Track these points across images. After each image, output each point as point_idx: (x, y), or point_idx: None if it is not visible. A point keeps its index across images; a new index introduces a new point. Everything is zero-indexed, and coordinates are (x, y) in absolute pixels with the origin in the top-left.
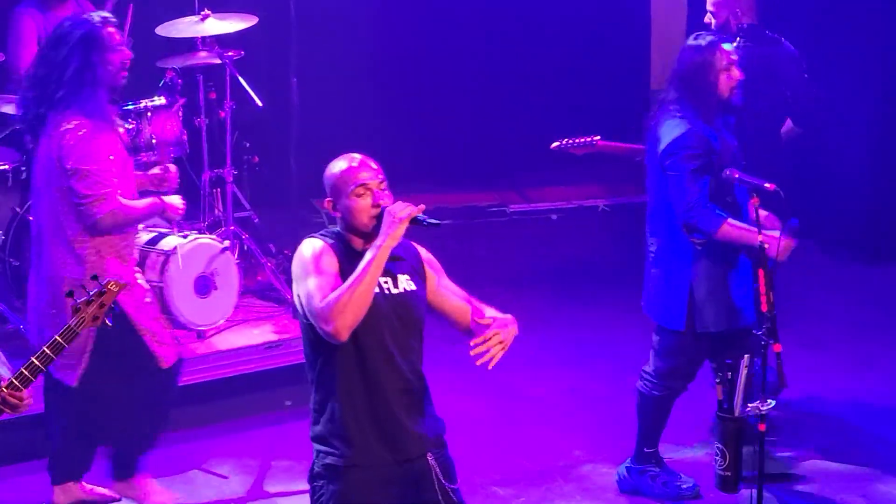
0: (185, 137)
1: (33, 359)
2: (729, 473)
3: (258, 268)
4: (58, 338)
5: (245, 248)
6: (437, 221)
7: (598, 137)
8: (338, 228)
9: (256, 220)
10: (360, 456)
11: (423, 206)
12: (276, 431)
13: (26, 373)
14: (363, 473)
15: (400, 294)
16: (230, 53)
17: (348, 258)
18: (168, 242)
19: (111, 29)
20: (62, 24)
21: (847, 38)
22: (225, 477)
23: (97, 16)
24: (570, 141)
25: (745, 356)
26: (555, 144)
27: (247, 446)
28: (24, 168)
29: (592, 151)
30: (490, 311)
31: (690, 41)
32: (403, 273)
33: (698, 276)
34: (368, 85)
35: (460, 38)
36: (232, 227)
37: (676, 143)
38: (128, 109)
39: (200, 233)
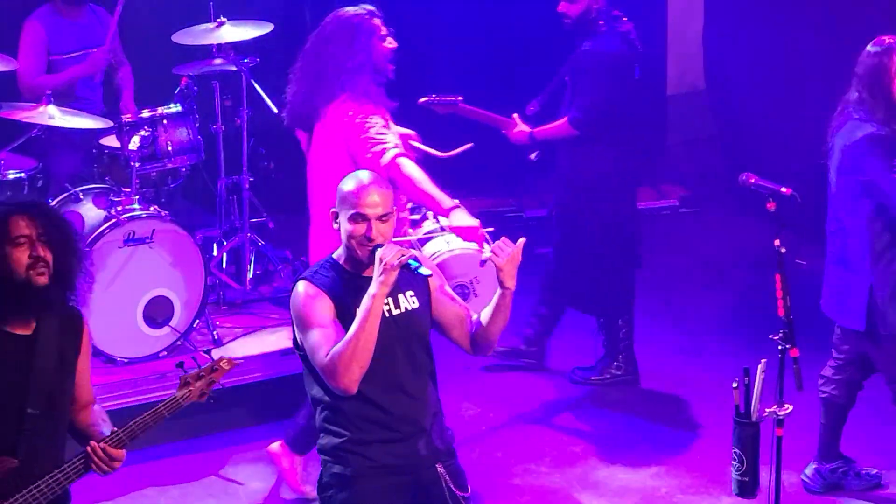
0: (200, 144)
1: (131, 423)
2: (747, 479)
3: (274, 274)
4: (161, 408)
5: (259, 255)
6: (429, 272)
7: (461, 98)
8: (332, 256)
9: (272, 226)
10: (367, 467)
11: (413, 253)
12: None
13: (122, 435)
14: (371, 483)
15: (402, 314)
16: (246, 60)
17: (343, 288)
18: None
19: (377, 20)
20: (328, 19)
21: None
22: (241, 483)
23: (362, 8)
24: (435, 98)
25: (762, 361)
26: (422, 100)
27: (263, 453)
28: (40, 176)
29: (454, 112)
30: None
31: (870, 47)
32: (406, 290)
33: (879, 277)
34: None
35: (478, 45)
36: (248, 234)
37: (860, 146)
38: (143, 117)
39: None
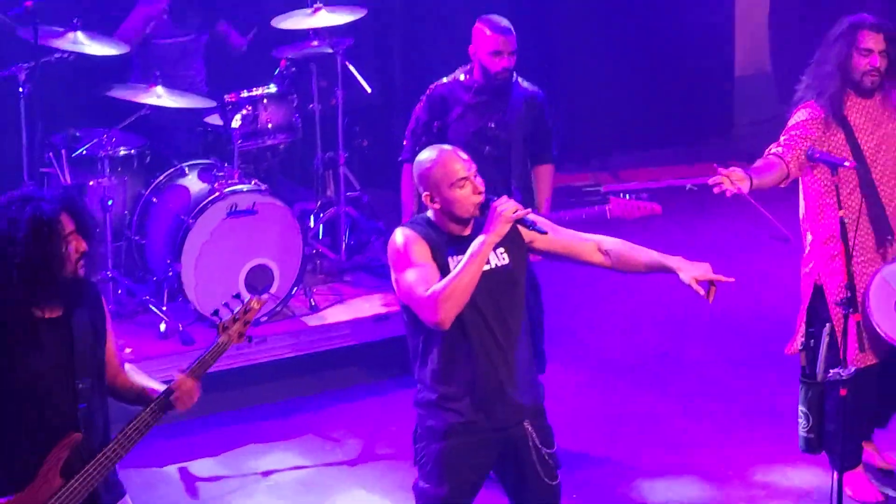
0: (298, 123)
1: (194, 366)
2: (812, 435)
3: (368, 245)
4: (207, 356)
5: (354, 226)
6: (545, 231)
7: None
8: (426, 215)
9: (366, 200)
10: (459, 421)
11: (530, 210)
12: (386, 399)
13: (197, 371)
14: (462, 437)
15: (491, 270)
16: (341, 43)
17: (440, 243)
18: None
19: (862, 31)
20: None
21: None
22: (338, 441)
23: (854, 18)
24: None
25: (827, 325)
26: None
27: (358, 413)
28: (148, 152)
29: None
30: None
31: None
32: (497, 248)
33: None
34: None
35: (557, 26)
36: (343, 207)
37: None
38: (243, 97)
39: None
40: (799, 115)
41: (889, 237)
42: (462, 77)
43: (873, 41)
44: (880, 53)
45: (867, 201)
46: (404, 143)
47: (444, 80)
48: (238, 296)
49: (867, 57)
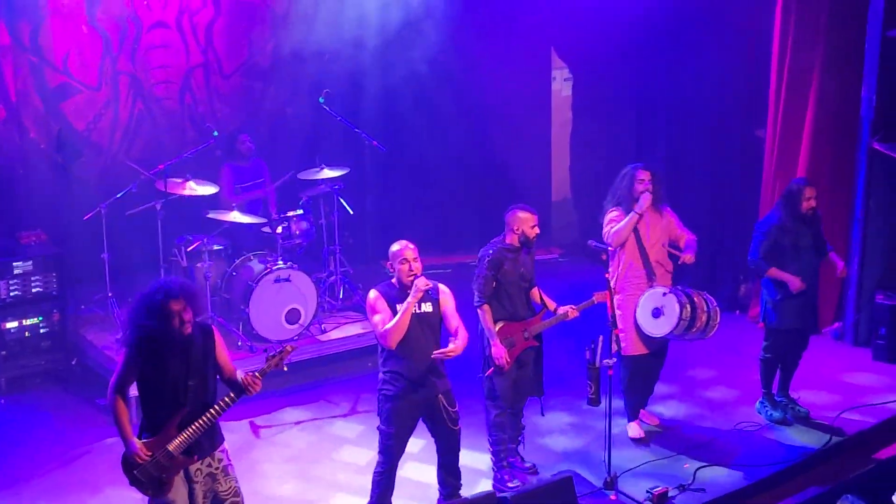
0: (314, 231)
1: (256, 372)
2: (594, 396)
3: (352, 296)
4: (258, 371)
5: (345, 286)
6: (437, 297)
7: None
8: (391, 280)
9: (351, 272)
10: (400, 392)
11: (431, 284)
12: (363, 380)
13: (258, 373)
14: (401, 402)
15: (422, 314)
16: (336, 186)
17: (394, 296)
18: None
19: (638, 172)
20: None
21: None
22: (337, 404)
23: (636, 167)
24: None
25: (601, 336)
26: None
27: (348, 388)
28: (230, 249)
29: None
30: (460, 335)
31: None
32: (427, 301)
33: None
34: (410, 194)
35: (457, 158)
36: (339, 276)
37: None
38: (283, 217)
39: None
40: (614, 212)
41: (654, 277)
42: (503, 245)
43: (645, 175)
44: (650, 181)
45: (644, 262)
46: (476, 294)
47: (490, 250)
48: (282, 342)
49: (642, 184)
